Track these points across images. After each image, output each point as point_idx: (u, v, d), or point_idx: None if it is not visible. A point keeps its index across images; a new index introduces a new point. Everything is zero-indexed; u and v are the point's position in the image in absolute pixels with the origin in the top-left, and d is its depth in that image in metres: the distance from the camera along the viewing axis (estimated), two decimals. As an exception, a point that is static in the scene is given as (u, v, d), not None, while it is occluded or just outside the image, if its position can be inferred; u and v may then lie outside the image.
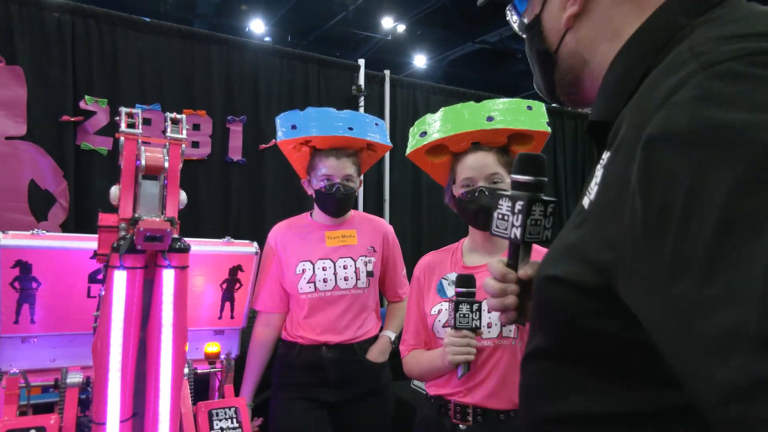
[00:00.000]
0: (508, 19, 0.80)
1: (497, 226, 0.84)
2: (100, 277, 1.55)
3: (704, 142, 0.42)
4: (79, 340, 1.61)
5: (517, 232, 0.81)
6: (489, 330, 1.39)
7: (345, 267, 1.86)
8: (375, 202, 3.55)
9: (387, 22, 9.96)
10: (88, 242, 1.52)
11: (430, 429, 1.44)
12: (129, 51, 2.74)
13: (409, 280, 1.81)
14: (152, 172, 1.25)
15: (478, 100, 1.66)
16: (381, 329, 2.01)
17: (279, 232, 1.95)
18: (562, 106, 0.79)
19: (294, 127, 1.85)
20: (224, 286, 1.75)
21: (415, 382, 2.59)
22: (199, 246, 1.64)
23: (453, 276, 1.48)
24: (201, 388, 1.73)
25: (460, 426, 1.38)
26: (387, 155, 3.59)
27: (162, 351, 1.20)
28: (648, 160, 0.45)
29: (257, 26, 10.12)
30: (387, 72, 3.63)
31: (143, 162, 1.22)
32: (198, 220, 2.89)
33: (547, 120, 1.48)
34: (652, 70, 0.54)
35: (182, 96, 2.87)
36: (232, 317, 1.79)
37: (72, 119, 2.59)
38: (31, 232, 1.51)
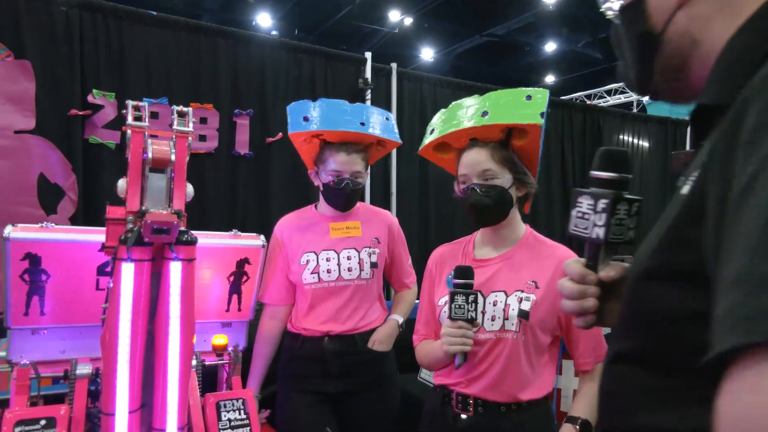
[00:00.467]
0: (601, 10, 0.75)
1: (576, 226, 0.78)
2: (109, 269, 1.55)
3: None
4: (88, 332, 1.62)
5: (600, 232, 0.75)
6: (492, 323, 1.39)
7: (349, 258, 1.87)
8: (382, 196, 3.55)
9: (394, 15, 9.92)
10: (97, 235, 1.53)
11: (434, 419, 1.47)
12: (136, 45, 2.76)
13: (421, 272, 1.83)
14: (159, 165, 1.25)
15: (487, 92, 1.64)
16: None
17: (285, 224, 1.96)
18: (653, 99, 0.73)
19: (306, 119, 1.83)
20: (231, 278, 1.76)
21: (422, 374, 2.59)
22: (206, 239, 1.65)
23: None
24: (209, 379, 1.75)
25: (462, 416, 1.40)
26: (394, 150, 3.59)
27: (170, 343, 1.21)
28: None
29: (264, 20, 10.11)
30: (394, 65, 3.62)
31: (150, 155, 1.23)
32: (205, 214, 2.90)
33: (544, 111, 1.40)
34: None
35: (189, 90, 2.88)
36: (239, 310, 1.80)
37: (80, 113, 2.61)
38: (40, 225, 1.51)
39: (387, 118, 1.93)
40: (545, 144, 1.46)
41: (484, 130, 1.46)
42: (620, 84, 7.45)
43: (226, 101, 2.99)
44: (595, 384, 1.32)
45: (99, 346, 1.60)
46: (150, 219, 1.14)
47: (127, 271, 1.17)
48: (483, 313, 1.41)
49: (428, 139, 1.54)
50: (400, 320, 1.97)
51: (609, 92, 7.62)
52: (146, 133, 1.26)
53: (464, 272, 1.33)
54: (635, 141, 4.85)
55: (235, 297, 1.79)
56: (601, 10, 0.75)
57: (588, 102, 7.51)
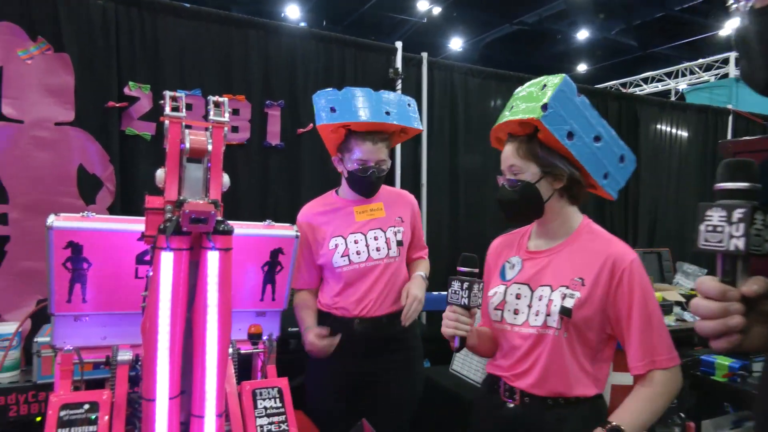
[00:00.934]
0: (729, 4, 0.72)
1: (706, 240, 0.74)
2: (147, 258, 1.58)
3: None
4: (128, 319, 1.65)
5: (740, 243, 0.71)
6: (536, 318, 1.38)
7: (376, 238, 1.93)
8: (412, 187, 3.53)
9: (422, 5, 9.82)
10: (135, 224, 1.56)
11: (482, 404, 1.52)
12: (170, 37, 2.79)
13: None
14: (196, 155, 1.26)
15: (519, 81, 1.62)
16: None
17: (308, 211, 2.04)
18: None
19: (333, 110, 1.86)
20: (265, 268, 1.77)
21: (454, 366, 2.58)
22: (240, 229, 1.66)
23: (515, 260, 1.49)
24: (243, 368, 1.77)
25: (508, 404, 1.42)
26: (424, 139, 3.57)
27: (208, 331, 1.22)
28: None
29: (293, 12, 10.15)
30: (424, 55, 3.58)
31: (188, 145, 1.23)
32: (237, 204, 2.93)
33: (547, 102, 1.33)
34: None
35: (221, 81, 2.90)
36: (273, 299, 1.81)
37: (117, 105, 2.65)
38: (81, 214, 1.55)
39: (409, 105, 1.95)
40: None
41: (508, 125, 1.44)
42: (657, 71, 7.23)
43: (258, 92, 3.01)
44: (646, 391, 1.30)
45: (138, 332, 1.64)
46: (188, 208, 1.15)
47: (166, 260, 1.18)
48: (529, 306, 1.40)
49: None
50: (424, 274, 2.02)
51: (645, 80, 7.41)
52: (183, 123, 1.27)
53: (466, 260, 1.37)
54: (673, 130, 4.70)
55: (269, 287, 1.81)
56: (731, 6, 0.72)
57: (623, 90, 7.31)
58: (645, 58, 11.26)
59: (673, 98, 6.59)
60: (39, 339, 2.16)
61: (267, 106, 3.03)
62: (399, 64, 3.42)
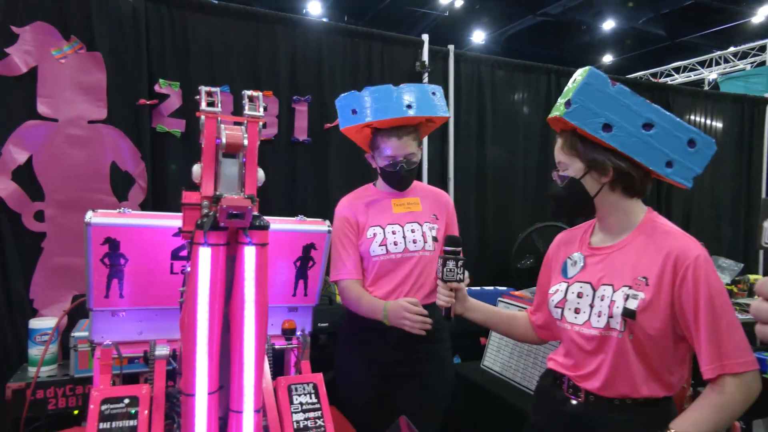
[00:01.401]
0: None
1: None
2: (183, 254, 1.59)
3: None
4: (163, 315, 1.67)
5: None
6: (599, 319, 1.33)
7: (413, 231, 1.95)
8: (439, 182, 3.50)
9: (445, -2, 9.73)
10: (170, 220, 1.57)
11: (543, 397, 1.49)
12: (198, 34, 2.81)
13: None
14: (232, 150, 1.26)
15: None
16: None
17: (348, 202, 2.04)
18: None
19: (354, 112, 1.90)
20: (298, 264, 1.77)
21: (485, 362, 2.55)
22: (273, 224, 1.65)
23: (577, 256, 1.44)
24: (276, 363, 1.77)
25: (572, 401, 1.38)
26: (451, 132, 3.53)
27: (245, 326, 1.22)
28: None
29: (314, 8, 10.16)
30: (451, 47, 3.54)
31: (224, 140, 1.23)
32: (265, 200, 2.92)
33: (570, 98, 1.30)
34: None
35: (249, 77, 2.92)
36: (305, 294, 1.81)
37: (148, 102, 2.68)
38: (118, 210, 1.56)
39: (434, 93, 1.94)
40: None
41: (554, 121, 1.42)
42: (690, 60, 7.03)
43: (285, 88, 3.01)
44: (714, 397, 1.22)
45: (173, 327, 1.65)
46: (225, 204, 1.14)
47: (204, 255, 1.18)
48: (591, 306, 1.35)
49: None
50: None
51: (677, 69, 7.21)
52: (219, 118, 1.26)
53: (453, 241, 1.56)
54: (708, 121, 4.56)
55: (301, 282, 1.80)
56: None
57: (654, 80, 7.13)
58: (673, 48, 10.98)
59: (707, 87, 6.39)
60: (76, 334, 2.20)
61: (294, 101, 3.03)
62: (426, 57, 3.39)
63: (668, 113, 1.33)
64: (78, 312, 2.18)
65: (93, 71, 2.58)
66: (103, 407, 1.28)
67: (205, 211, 1.23)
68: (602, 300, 1.32)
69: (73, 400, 2.23)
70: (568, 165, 1.38)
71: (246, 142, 1.26)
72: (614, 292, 1.31)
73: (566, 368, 1.40)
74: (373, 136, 1.95)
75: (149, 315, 1.68)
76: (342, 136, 3.09)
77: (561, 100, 1.34)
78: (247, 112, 1.30)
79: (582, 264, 1.42)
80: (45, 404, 2.20)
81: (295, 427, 1.40)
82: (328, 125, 3.11)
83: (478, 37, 11.96)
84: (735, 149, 4.66)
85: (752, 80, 5.74)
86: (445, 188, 3.50)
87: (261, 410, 1.28)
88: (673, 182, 1.35)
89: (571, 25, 11.19)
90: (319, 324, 2.53)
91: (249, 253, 1.22)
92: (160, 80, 2.70)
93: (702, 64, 6.97)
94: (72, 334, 2.23)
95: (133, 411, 1.31)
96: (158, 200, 2.71)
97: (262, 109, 1.31)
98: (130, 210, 1.59)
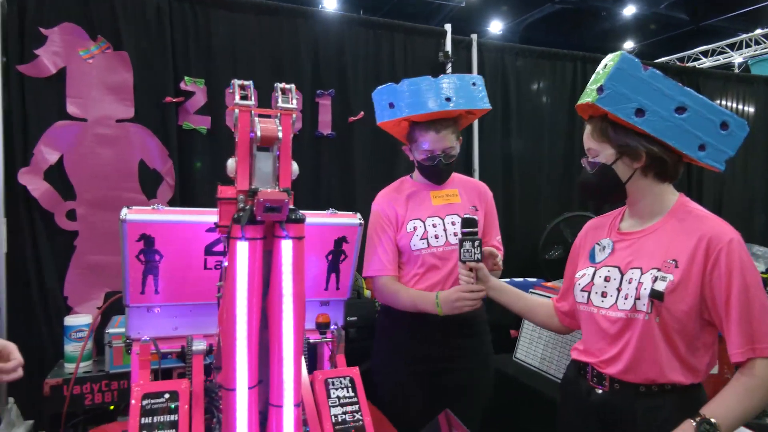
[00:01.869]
0: None
1: None
2: (216, 249, 1.59)
3: None
4: (198, 310, 1.67)
5: None
6: (625, 301, 1.32)
7: (453, 223, 1.91)
8: (464, 173, 3.45)
9: (462, -12, 9.63)
10: (203, 216, 1.57)
11: (569, 389, 1.48)
12: (221, 30, 2.81)
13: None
14: (266, 144, 1.25)
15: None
16: None
17: (385, 196, 2.01)
18: None
19: (391, 105, 1.87)
20: (330, 257, 1.76)
21: (518, 354, 2.52)
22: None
23: (605, 242, 1.44)
24: (310, 358, 1.77)
25: (596, 390, 1.37)
26: (475, 123, 3.48)
27: (283, 320, 1.21)
28: None
29: (330, 2, 10.13)
30: (474, 36, 3.49)
31: (258, 133, 1.22)
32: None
33: (602, 83, 1.29)
34: None
35: (272, 72, 2.91)
36: (337, 288, 1.80)
37: (173, 100, 2.69)
38: (152, 206, 1.57)
39: (474, 84, 1.89)
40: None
41: (583, 108, 1.40)
42: (718, 44, 6.85)
43: (308, 82, 3.00)
44: (745, 381, 1.20)
45: (209, 323, 1.66)
46: (262, 197, 1.13)
47: (242, 249, 1.18)
48: (618, 290, 1.34)
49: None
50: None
51: (705, 53, 7.02)
52: (253, 111, 1.25)
53: (469, 222, 1.63)
54: (738, 105, 4.44)
55: (333, 276, 1.79)
56: None
57: (681, 65, 6.97)
58: (697, 32, 10.70)
59: (737, 71, 6.21)
60: (110, 330, 2.22)
61: (317, 95, 3.02)
62: (449, 47, 3.34)
63: (700, 96, 1.32)
64: (111, 309, 2.20)
65: (120, 70, 2.60)
66: (144, 402, 1.29)
67: (241, 205, 1.22)
68: (630, 283, 1.32)
69: (108, 395, 2.26)
70: (598, 151, 1.37)
71: (281, 134, 1.24)
72: (642, 274, 1.30)
73: (590, 355, 1.39)
74: (410, 128, 1.92)
75: (184, 310, 1.69)
76: (366, 129, 3.12)
77: (591, 86, 1.34)
78: (280, 104, 1.28)
79: (611, 249, 1.42)
80: (82, 400, 2.23)
81: (334, 420, 1.39)
82: (352, 119, 3.09)
83: (496, 27, 11.82)
84: (767, 134, 4.53)
85: (784, 62, 5.56)
86: (470, 180, 3.46)
87: (301, 404, 1.28)
88: (706, 165, 1.33)
89: (591, 12, 10.98)
90: (348, 318, 2.53)
91: (286, 247, 1.21)
92: (185, 78, 2.72)
93: (731, 47, 6.77)
94: (106, 331, 2.25)
95: (173, 406, 1.31)
96: (186, 197, 2.73)
97: (295, 101, 1.30)
98: (163, 206, 1.60)
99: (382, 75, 3.08)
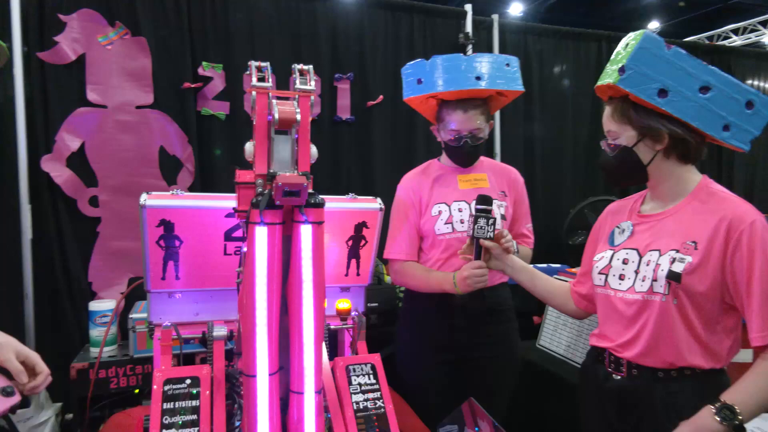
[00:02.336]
0: None
1: None
2: (235, 234, 1.58)
3: None
4: (218, 296, 1.67)
5: None
6: (642, 283, 1.30)
7: None
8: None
9: (482, -32, 9.42)
10: (222, 201, 1.56)
11: (587, 375, 1.46)
12: (239, 14, 2.78)
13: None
14: (284, 126, 1.22)
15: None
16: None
17: (411, 179, 1.97)
18: None
19: (420, 81, 1.81)
20: (350, 243, 1.73)
21: (541, 341, 2.48)
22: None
23: (625, 225, 1.41)
24: (331, 344, 1.76)
25: (614, 376, 1.36)
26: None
27: (303, 306, 1.19)
28: None
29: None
30: (495, 17, 3.40)
31: (276, 116, 1.19)
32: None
33: (624, 64, 1.25)
34: None
35: (290, 56, 2.88)
36: (358, 274, 1.78)
37: (192, 86, 2.68)
38: (171, 192, 1.56)
39: (508, 65, 1.82)
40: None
41: (603, 89, 1.36)
42: (750, 21, 6.59)
43: (327, 66, 2.96)
44: (766, 365, 1.16)
45: (229, 308, 1.65)
46: (281, 181, 1.11)
47: (261, 234, 1.16)
48: (636, 272, 1.31)
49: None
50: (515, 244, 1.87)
51: (735, 31, 6.77)
52: (270, 93, 1.23)
53: (484, 199, 1.61)
54: (772, 84, 4.27)
55: (353, 261, 1.77)
56: None
57: (711, 43, 6.73)
58: (726, 10, 10.33)
59: None
60: (133, 315, 2.25)
61: (336, 79, 2.98)
62: (469, 28, 3.27)
63: (726, 74, 1.28)
64: (134, 294, 2.22)
65: (138, 56, 2.59)
66: (166, 387, 1.29)
67: (260, 189, 1.20)
68: (648, 265, 1.29)
69: (133, 379, 2.29)
70: (619, 133, 1.34)
71: (299, 117, 1.21)
72: (660, 256, 1.28)
73: (608, 340, 1.38)
74: (438, 107, 1.87)
75: (205, 296, 1.68)
76: (385, 113, 3.07)
77: (612, 67, 1.31)
78: (298, 86, 1.25)
79: (630, 232, 1.39)
80: (108, 383, 2.27)
81: (355, 407, 1.37)
82: (371, 102, 3.05)
83: (516, 9, 11.57)
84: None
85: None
86: (492, 164, 3.40)
87: (322, 391, 1.26)
88: (730, 146, 1.30)
89: (614, -9, 10.67)
90: (369, 303, 2.51)
91: (305, 232, 1.19)
92: (203, 63, 2.70)
93: (763, 24, 6.51)
94: (130, 316, 2.28)
95: (194, 391, 1.31)
96: (206, 183, 2.73)
97: (313, 83, 1.27)
98: (183, 192, 1.59)
99: (401, 58, 3.02)
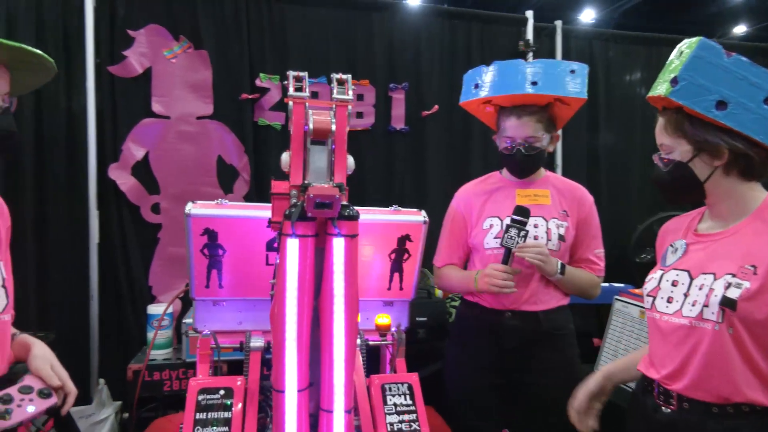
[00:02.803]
0: None
1: None
2: (276, 245, 1.58)
3: None
4: (261, 306, 1.67)
5: None
6: (692, 308, 1.19)
7: (536, 226, 1.74)
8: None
9: (551, -26, 9.18)
10: (266, 211, 1.55)
11: (635, 406, 1.37)
12: (296, 26, 2.83)
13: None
14: (320, 137, 1.20)
15: (670, 45, 1.38)
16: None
17: (466, 190, 1.92)
18: None
19: (476, 86, 1.77)
20: (392, 256, 1.69)
21: (599, 367, 2.31)
22: (365, 214, 1.58)
23: (679, 243, 1.31)
24: (372, 360, 1.71)
25: (663, 408, 1.25)
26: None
27: (335, 322, 1.16)
28: None
29: (414, -3, 10.06)
30: (558, 23, 3.26)
31: (311, 126, 1.17)
32: (361, 190, 2.92)
33: (677, 74, 1.16)
34: None
35: (346, 66, 2.88)
36: (401, 289, 1.73)
37: (249, 97, 2.75)
38: (216, 201, 1.58)
39: (573, 71, 1.71)
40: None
41: (655, 99, 1.27)
42: None
43: (382, 76, 2.95)
44: None
45: (269, 319, 1.65)
46: (312, 193, 1.08)
47: (292, 246, 1.14)
48: (685, 295, 1.22)
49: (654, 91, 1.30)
50: (561, 263, 1.72)
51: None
52: (307, 104, 1.21)
53: (520, 211, 1.63)
54: None
55: (396, 275, 1.72)
56: None
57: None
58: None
59: None
60: (186, 320, 2.31)
61: (391, 89, 2.96)
62: (530, 35, 3.15)
63: None
64: (189, 299, 2.28)
65: (200, 69, 2.68)
66: (200, 397, 1.29)
67: (294, 200, 1.18)
68: (700, 289, 1.20)
69: (185, 383, 2.33)
70: (672, 147, 1.24)
71: (334, 127, 1.19)
72: (715, 280, 1.18)
73: (653, 368, 1.29)
74: (498, 114, 1.81)
75: (248, 305, 1.69)
76: (440, 123, 3.01)
77: (664, 77, 1.22)
78: (335, 95, 1.23)
79: (683, 251, 1.30)
80: (161, 385, 2.33)
81: (389, 429, 1.32)
82: (426, 113, 3.00)
83: (588, 15, 11.17)
84: None
85: None
86: (553, 176, 3.25)
87: (352, 410, 1.22)
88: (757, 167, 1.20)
89: (697, -6, 10.07)
90: (417, 318, 2.45)
91: (338, 245, 1.16)
92: (261, 74, 2.76)
93: None
94: (183, 320, 2.34)
95: (228, 402, 1.30)
96: (262, 192, 2.78)
97: (351, 92, 1.24)
98: (227, 201, 1.61)
99: (457, 67, 2.95)
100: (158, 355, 2.39)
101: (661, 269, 1.33)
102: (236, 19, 2.72)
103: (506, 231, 1.56)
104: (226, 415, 1.28)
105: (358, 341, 1.52)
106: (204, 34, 2.67)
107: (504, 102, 1.74)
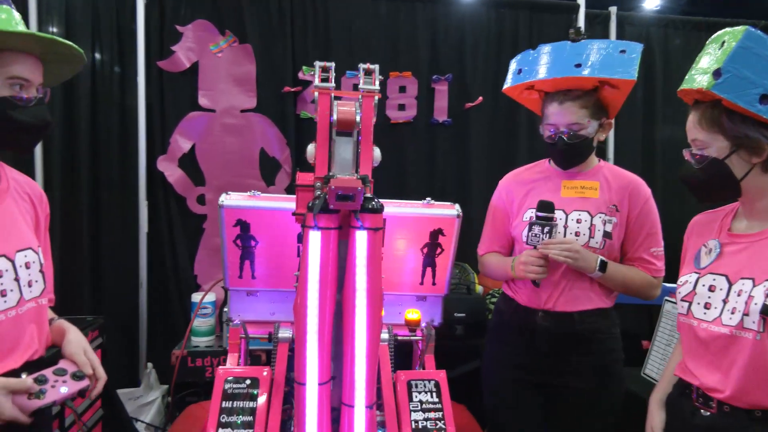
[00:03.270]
0: None
1: None
2: (305, 237, 1.58)
3: None
4: (292, 297, 1.66)
5: None
6: (732, 316, 1.13)
7: (578, 221, 1.62)
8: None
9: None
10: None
11: (673, 409, 1.32)
12: (339, 18, 2.82)
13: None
14: (345, 128, 1.18)
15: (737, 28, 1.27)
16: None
17: (507, 181, 1.83)
18: None
19: (520, 71, 1.67)
20: (425, 250, 1.66)
21: (646, 370, 2.20)
22: (397, 208, 1.56)
23: (712, 243, 1.24)
24: (404, 355, 1.69)
25: (702, 411, 1.20)
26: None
27: (356, 315, 1.14)
28: None
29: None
30: (613, 9, 3.10)
31: (335, 116, 1.16)
32: (404, 183, 2.89)
33: (720, 66, 1.10)
34: None
35: (389, 58, 2.85)
36: (433, 284, 1.69)
37: (292, 90, 2.77)
38: (249, 193, 1.60)
39: (623, 51, 1.56)
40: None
41: (688, 91, 1.21)
42: None
43: (425, 67, 2.90)
44: None
45: (299, 311, 1.66)
46: (334, 185, 1.07)
47: (314, 239, 1.13)
48: (724, 302, 1.16)
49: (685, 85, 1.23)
50: (601, 259, 1.58)
51: None
52: (332, 94, 1.19)
53: (544, 206, 1.54)
54: None
55: (429, 270, 1.69)
56: None
57: None
58: None
59: None
60: (226, 308, 2.36)
61: (434, 81, 2.91)
62: (581, 23, 3.01)
63: None
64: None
65: (244, 62, 2.73)
66: (227, 386, 1.31)
67: (318, 192, 1.17)
68: (739, 295, 1.14)
69: (225, 370, 2.40)
70: (707, 143, 1.18)
71: (359, 118, 1.17)
72: (754, 286, 1.13)
73: (691, 375, 1.22)
74: (542, 101, 1.69)
75: (281, 296, 1.70)
76: (484, 115, 2.93)
77: (705, 68, 1.15)
78: (362, 86, 1.21)
79: (717, 253, 1.24)
80: (203, 372, 2.40)
81: (413, 427, 1.29)
82: (469, 105, 2.93)
83: (652, 2, 10.61)
84: None
85: None
86: (604, 170, 3.10)
87: (374, 406, 1.20)
88: None
89: (774, -24, 9.37)
90: (455, 314, 2.40)
91: (360, 238, 1.14)
92: (303, 67, 2.77)
93: None
94: (224, 309, 2.40)
95: (254, 392, 1.32)
96: (302, 185, 2.79)
97: (377, 83, 1.21)
98: (260, 193, 1.62)
99: (503, 57, 2.86)
100: (201, 342, 2.46)
101: (696, 272, 1.25)
102: (280, 12, 2.74)
103: (529, 229, 1.51)
104: (252, 404, 1.29)
105: (386, 336, 1.50)
106: (249, 28, 2.71)
107: (547, 87, 1.63)
